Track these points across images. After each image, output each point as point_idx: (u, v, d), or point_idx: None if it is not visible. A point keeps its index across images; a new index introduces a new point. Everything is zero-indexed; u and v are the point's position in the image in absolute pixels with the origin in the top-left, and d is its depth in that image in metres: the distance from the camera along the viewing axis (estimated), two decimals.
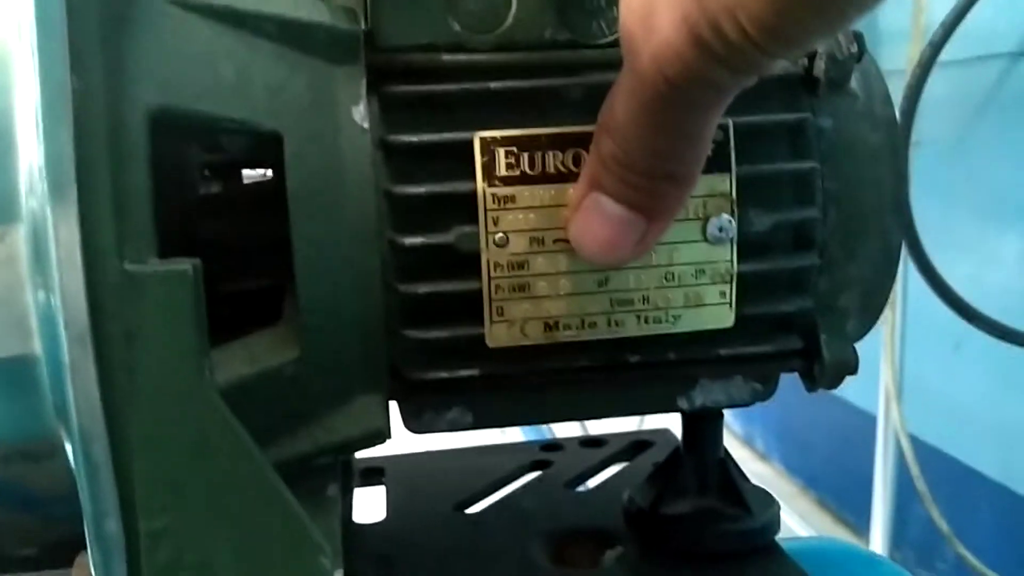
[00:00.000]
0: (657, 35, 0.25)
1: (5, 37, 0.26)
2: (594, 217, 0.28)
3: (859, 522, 1.61)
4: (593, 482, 0.45)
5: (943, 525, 1.18)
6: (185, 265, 0.25)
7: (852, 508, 1.70)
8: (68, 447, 0.26)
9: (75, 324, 0.24)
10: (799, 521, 1.68)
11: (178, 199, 0.33)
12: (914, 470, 1.18)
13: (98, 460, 0.24)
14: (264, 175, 0.36)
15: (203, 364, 0.25)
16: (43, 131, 0.23)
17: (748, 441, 2.15)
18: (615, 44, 0.32)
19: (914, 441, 1.23)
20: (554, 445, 0.48)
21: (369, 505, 0.44)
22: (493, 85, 0.31)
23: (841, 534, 1.70)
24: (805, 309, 0.33)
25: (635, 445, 0.48)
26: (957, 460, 1.31)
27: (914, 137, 0.95)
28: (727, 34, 0.23)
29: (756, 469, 1.97)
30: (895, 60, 1.20)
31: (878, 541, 1.34)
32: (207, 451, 0.25)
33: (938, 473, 1.23)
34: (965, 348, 1.25)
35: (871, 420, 1.32)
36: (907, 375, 1.27)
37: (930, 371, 1.30)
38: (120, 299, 0.24)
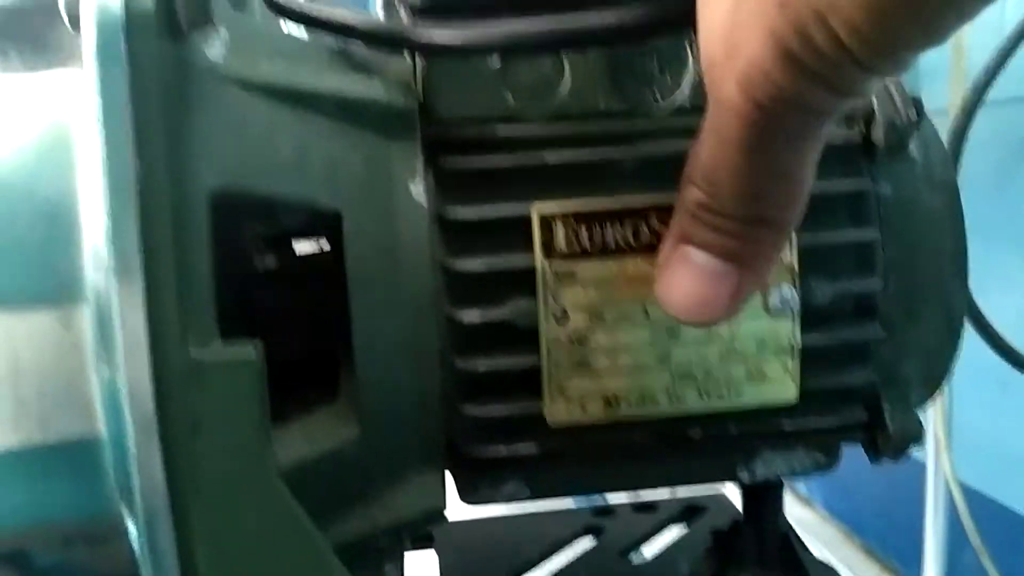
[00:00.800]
0: (741, 54, 0.23)
1: (67, 116, 0.27)
2: (683, 271, 0.26)
3: (907, 570, 1.57)
4: (648, 550, 0.44)
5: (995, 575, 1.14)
6: (249, 352, 0.25)
7: (900, 556, 1.67)
8: (131, 530, 0.26)
9: (141, 412, 0.24)
10: (845, 569, 1.64)
11: (234, 272, 0.33)
12: (966, 520, 1.16)
13: (163, 548, 0.24)
14: (319, 247, 0.36)
15: (266, 451, 0.25)
16: (108, 216, 0.24)
17: (790, 484, 2.11)
18: (668, 113, 0.32)
19: (964, 489, 1.20)
20: (606, 510, 0.47)
21: (419, 570, 0.43)
22: (548, 157, 0.30)
23: None
24: (868, 380, 0.32)
25: (688, 510, 0.48)
26: (1009, 508, 1.27)
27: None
28: (818, 44, 0.21)
29: (798, 513, 1.94)
30: (935, 99, 1.19)
31: None
32: (270, 538, 0.25)
33: (989, 522, 1.20)
34: (1012, 389, 1.22)
35: (918, 466, 1.29)
36: (955, 419, 1.24)
37: (978, 415, 1.27)
38: (185, 386, 0.24)
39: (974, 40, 1.13)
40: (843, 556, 1.74)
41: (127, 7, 0.24)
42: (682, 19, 0.28)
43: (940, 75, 1.17)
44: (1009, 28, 0.89)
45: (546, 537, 0.45)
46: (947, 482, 1.21)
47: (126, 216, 0.23)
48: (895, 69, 0.23)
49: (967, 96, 0.84)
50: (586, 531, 0.46)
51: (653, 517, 0.47)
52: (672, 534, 0.47)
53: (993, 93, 0.92)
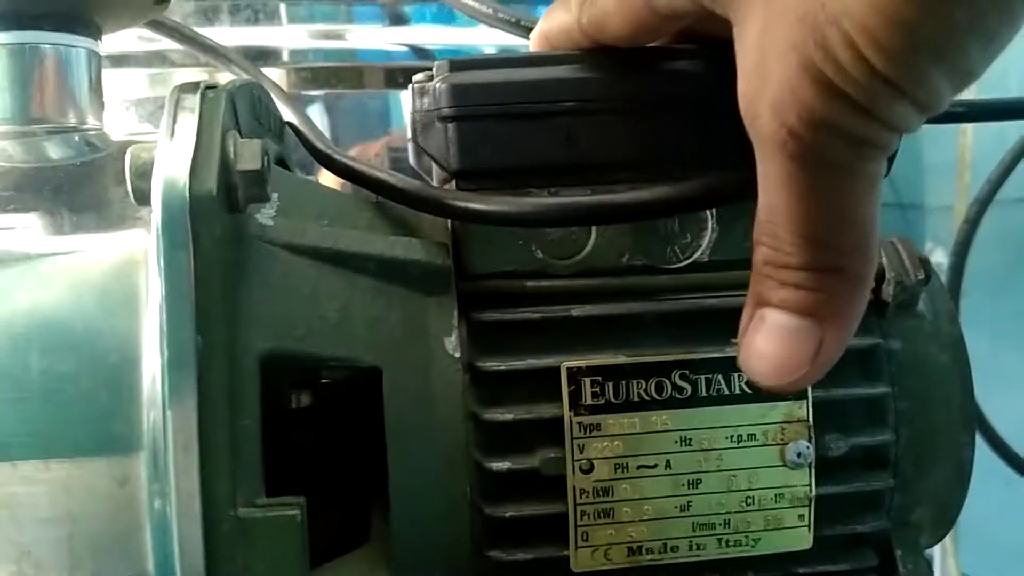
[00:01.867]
0: (771, 78, 0.22)
1: (133, 279, 0.28)
2: (761, 336, 0.26)
3: None
4: None
5: None
6: (294, 510, 0.26)
7: None
8: None
9: (191, 571, 0.25)
10: None
11: (272, 414, 0.34)
12: None
13: None
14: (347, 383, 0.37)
15: None
16: (167, 388, 0.25)
17: None
18: (688, 269, 0.33)
19: None
20: None
21: None
22: (575, 311, 0.32)
23: None
24: (881, 527, 0.33)
25: None
26: None
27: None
28: (838, 55, 0.21)
29: None
30: (941, 197, 1.22)
31: None
32: None
33: None
34: (1017, 487, 1.22)
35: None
36: (962, 515, 1.24)
37: (984, 511, 1.27)
38: (233, 544, 0.25)
39: (978, 139, 1.16)
40: None
41: (192, 189, 0.25)
42: (705, 198, 0.30)
43: (946, 172, 1.20)
44: (1011, 125, 0.92)
45: None
46: None
47: (185, 388, 0.25)
48: (927, 96, 0.22)
49: (971, 208, 0.87)
50: None
51: None
52: None
53: (1001, 193, 0.94)
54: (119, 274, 0.28)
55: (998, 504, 1.27)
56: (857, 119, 0.22)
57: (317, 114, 0.67)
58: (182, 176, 0.26)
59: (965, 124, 1.08)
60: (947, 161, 1.22)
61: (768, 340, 0.26)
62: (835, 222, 0.24)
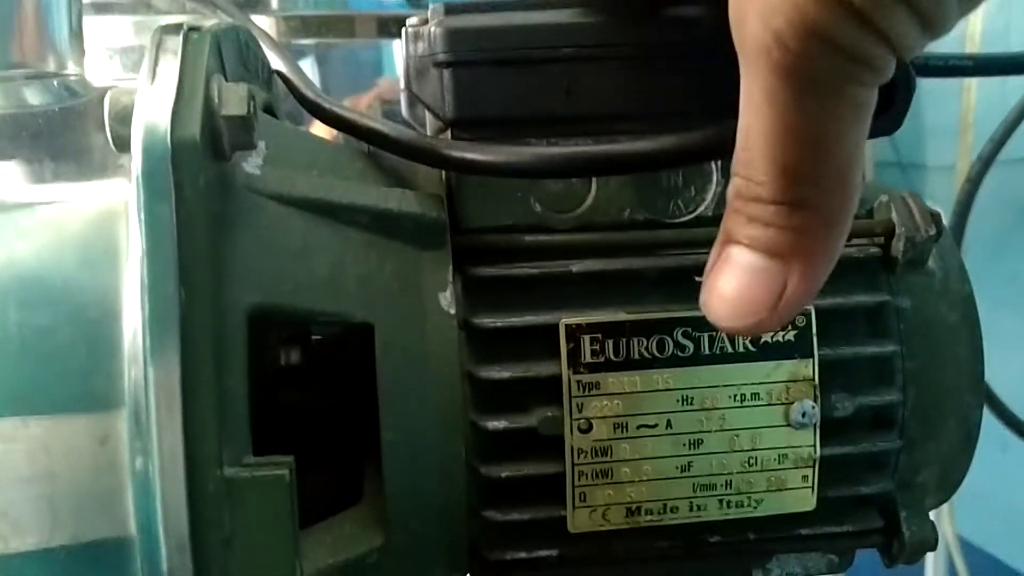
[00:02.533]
0: None
1: (112, 229, 0.27)
2: (725, 274, 0.24)
3: None
4: None
5: None
6: (282, 469, 0.25)
7: None
8: None
9: (175, 531, 0.24)
10: None
11: (260, 371, 0.33)
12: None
13: None
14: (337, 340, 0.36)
15: (295, 565, 0.26)
16: (150, 341, 0.24)
17: None
18: (691, 223, 0.32)
19: (965, 545, 1.20)
20: None
21: None
22: (575, 267, 0.31)
23: None
24: (885, 489, 0.33)
25: None
26: (1007, 565, 1.27)
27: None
28: None
29: None
30: (943, 157, 1.21)
31: None
32: None
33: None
34: (1013, 450, 1.22)
35: None
36: None
37: (980, 474, 1.28)
38: (219, 506, 0.25)
39: (981, 98, 1.15)
40: None
41: (174, 135, 0.24)
42: (710, 149, 0.28)
43: (947, 132, 1.19)
44: (1012, 86, 0.91)
45: None
46: (948, 538, 1.21)
47: (167, 344, 0.24)
48: (934, 8, 0.20)
49: (974, 167, 0.86)
50: None
51: None
52: None
53: (1001, 154, 0.93)
54: (99, 225, 0.27)
55: (994, 467, 1.27)
56: (854, 29, 0.20)
57: (308, 65, 0.65)
58: (163, 122, 0.24)
59: (969, 82, 1.07)
60: (949, 121, 1.21)
61: (729, 280, 0.24)
62: (813, 152, 0.22)
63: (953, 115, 1.17)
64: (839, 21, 0.20)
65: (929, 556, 1.28)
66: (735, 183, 0.24)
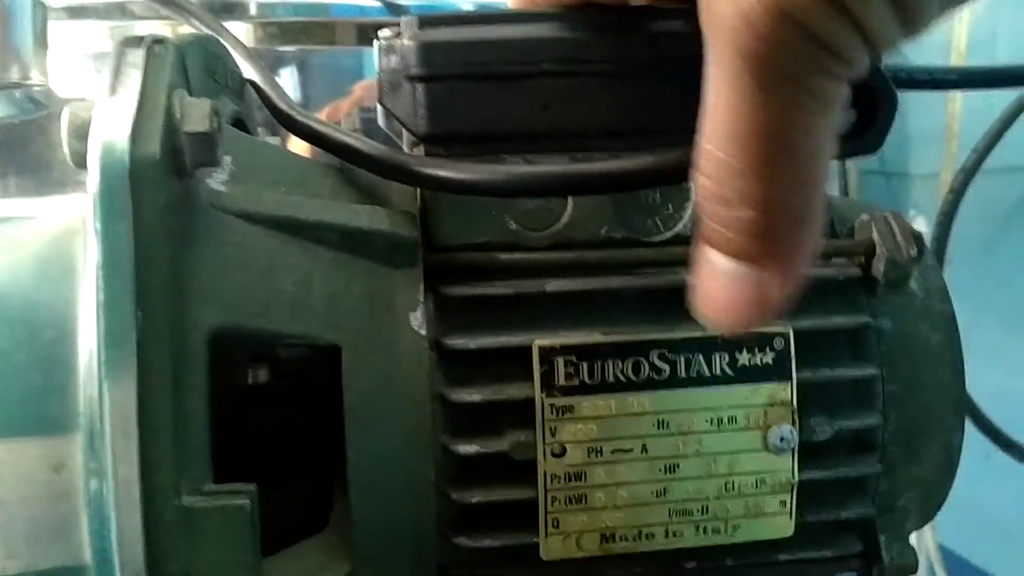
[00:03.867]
0: None
1: (70, 248, 0.26)
2: (706, 277, 0.24)
3: None
4: None
5: None
6: (243, 499, 0.25)
7: None
8: None
9: (131, 565, 0.23)
10: None
11: (225, 390, 0.32)
12: None
13: None
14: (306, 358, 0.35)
15: None
16: (105, 367, 0.23)
17: None
18: (670, 242, 0.32)
19: (947, 554, 1.20)
20: None
21: None
22: (549, 287, 0.30)
23: None
24: (866, 513, 0.32)
25: None
26: (988, 574, 1.27)
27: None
28: None
29: None
30: (928, 165, 1.20)
31: None
32: None
33: None
34: (994, 459, 1.23)
35: None
36: None
37: (961, 482, 1.28)
38: (177, 537, 0.24)
39: (966, 108, 1.15)
40: None
41: (133, 152, 0.23)
42: (689, 168, 0.28)
43: (932, 141, 1.19)
44: (998, 94, 0.91)
45: None
46: (930, 549, 1.21)
47: (123, 368, 0.23)
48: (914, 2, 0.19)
49: (957, 178, 0.85)
50: None
51: None
52: None
53: (986, 163, 0.93)
54: (57, 243, 0.26)
55: (976, 477, 1.27)
56: (829, 15, 0.19)
57: (288, 72, 0.64)
58: (122, 138, 0.24)
59: (954, 92, 1.07)
60: (934, 130, 1.20)
61: (710, 284, 0.24)
62: (777, 148, 0.21)
63: (938, 123, 1.16)
64: (813, 5, 0.19)
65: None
66: (700, 182, 0.23)
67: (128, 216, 0.23)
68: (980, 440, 1.06)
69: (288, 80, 0.63)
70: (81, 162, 0.25)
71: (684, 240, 0.31)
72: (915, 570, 0.33)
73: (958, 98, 1.08)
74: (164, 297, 0.24)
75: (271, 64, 0.61)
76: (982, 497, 1.27)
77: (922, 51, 0.21)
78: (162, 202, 0.24)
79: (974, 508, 1.29)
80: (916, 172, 1.37)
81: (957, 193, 0.86)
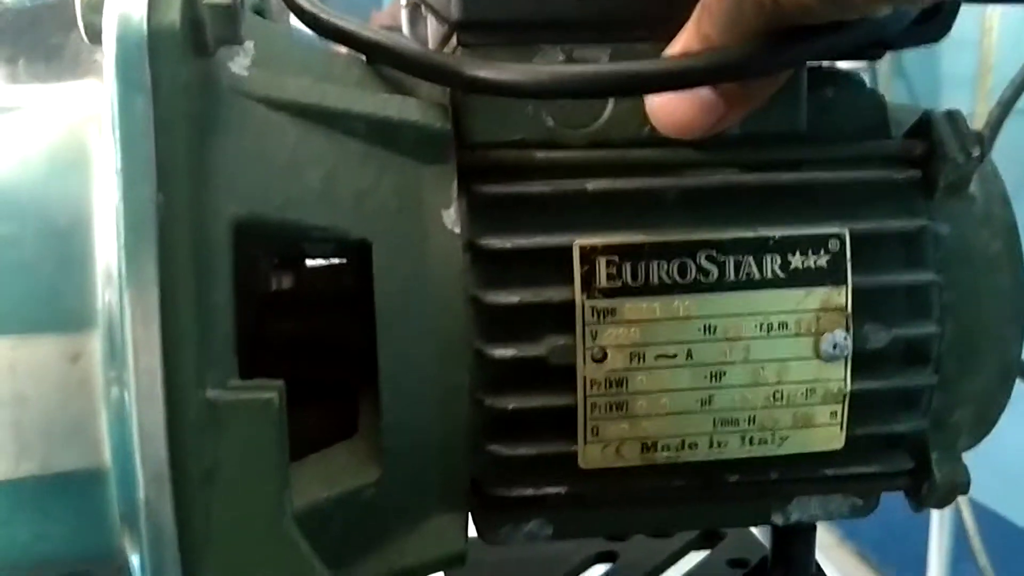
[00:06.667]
0: None
1: (84, 134, 0.25)
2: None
3: None
4: None
5: None
6: (271, 392, 0.23)
7: (895, 562, 1.66)
8: (135, 566, 0.24)
9: (153, 460, 0.22)
10: (836, 574, 1.63)
11: (248, 296, 0.31)
12: (972, 534, 1.14)
13: None
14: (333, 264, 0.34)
15: (283, 499, 0.24)
16: (125, 251, 0.22)
17: None
18: (714, 142, 0.30)
19: (972, 504, 1.19)
20: (619, 536, 0.46)
21: None
22: (590, 185, 0.29)
23: None
24: (917, 427, 0.30)
25: (706, 536, 0.46)
26: (1015, 524, 1.26)
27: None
28: None
29: None
30: (960, 103, 1.18)
31: None
32: None
33: (996, 537, 1.19)
34: (1020, 407, 1.21)
35: None
36: None
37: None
38: (201, 432, 0.22)
39: (1001, 43, 1.11)
40: (836, 560, 1.73)
41: (151, 23, 0.22)
42: (742, 67, 0.26)
43: (964, 81, 1.16)
44: None
45: (556, 563, 0.44)
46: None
47: (144, 253, 0.21)
48: None
49: (993, 111, 0.82)
50: (599, 558, 0.45)
51: (669, 544, 0.45)
52: (690, 561, 0.45)
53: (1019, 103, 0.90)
54: (70, 129, 0.25)
55: (1001, 426, 1.25)
56: None
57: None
58: (139, 9, 0.22)
59: (990, 24, 1.03)
60: (966, 71, 1.17)
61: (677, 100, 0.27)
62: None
63: (971, 60, 1.13)
64: None
65: (935, 514, 1.27)
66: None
67: (147, 88, 0.21)
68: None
69: None
70: (96, 37, 0.23)
71: (730, 140, 0.30)
72: (967, 489, 0.32)
73: (993, 31, 1.05)
74: (186, 182, 0.22)
75: None
76: (1008, 446, 1.26)
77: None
78: (182, 79, 0.22)
79: (998, 458, 1.28)
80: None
81: (993, 128, 0.83)
